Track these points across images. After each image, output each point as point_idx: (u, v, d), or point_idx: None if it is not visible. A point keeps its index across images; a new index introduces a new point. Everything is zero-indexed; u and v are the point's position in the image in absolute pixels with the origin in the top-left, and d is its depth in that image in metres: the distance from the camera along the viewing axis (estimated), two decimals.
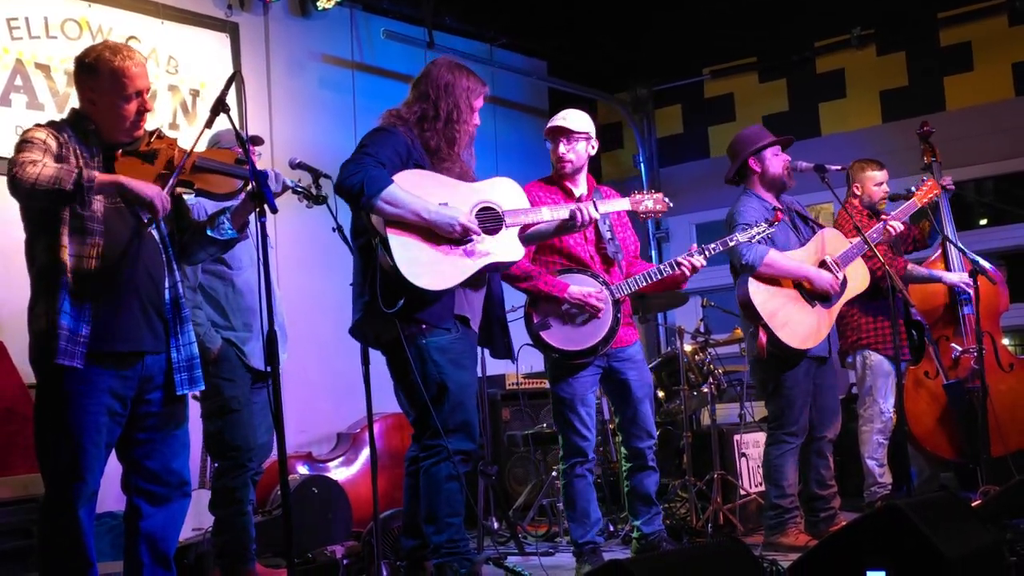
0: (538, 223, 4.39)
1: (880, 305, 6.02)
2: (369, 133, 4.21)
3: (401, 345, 4.05)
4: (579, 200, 4.88)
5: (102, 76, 3.54)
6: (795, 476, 5.44)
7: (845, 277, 5.36)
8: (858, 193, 6.19)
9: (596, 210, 4.43)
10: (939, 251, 6.43)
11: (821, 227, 5.55)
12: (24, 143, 3.45)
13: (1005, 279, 6.49)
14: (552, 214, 4.37)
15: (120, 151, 3.56)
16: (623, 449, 5.02)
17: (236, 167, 3.71)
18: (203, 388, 3.77)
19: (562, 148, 4.91)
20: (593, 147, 5.00)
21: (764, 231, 5.02)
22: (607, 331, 4.77)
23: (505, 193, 4.27)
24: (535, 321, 4.77)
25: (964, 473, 6.60)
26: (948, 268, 6.31)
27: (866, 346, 6.14)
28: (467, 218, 4.04)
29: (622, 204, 4.68)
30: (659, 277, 4.85)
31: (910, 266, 6.14)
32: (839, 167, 5.55)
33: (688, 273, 4.80)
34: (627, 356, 4.93)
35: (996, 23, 8.21)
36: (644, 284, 4.85)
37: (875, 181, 6.18)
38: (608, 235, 4.91)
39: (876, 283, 5.75)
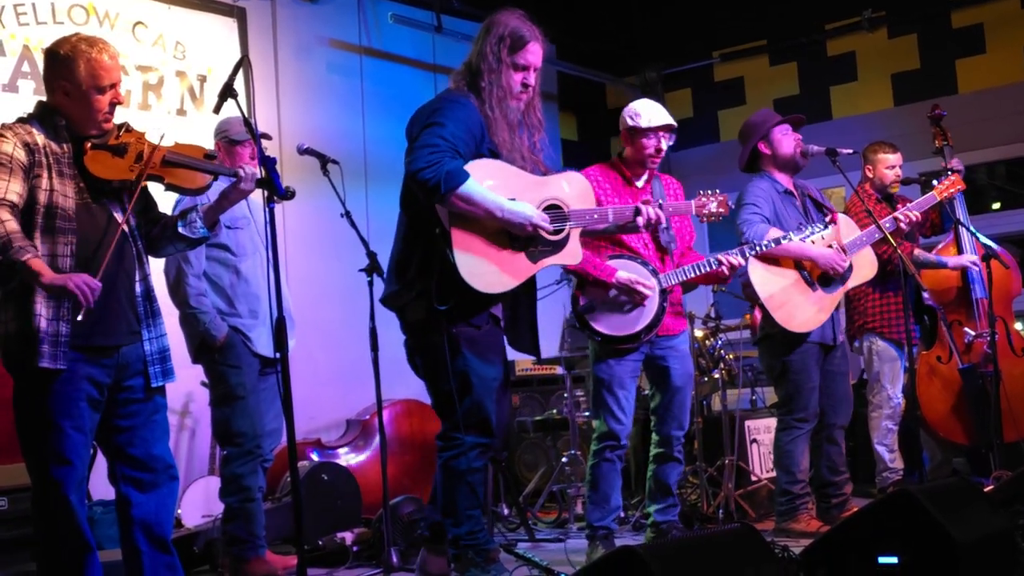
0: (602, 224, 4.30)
1: (888, 287, 6.01)
2: (445, 100, 4.02)
3: (426, 328, 3.97)
4: (639, 189, 4.88)
5: (79, 67, 3.50)
6: (806, 462, 5.42)
7: (851, 264, 5.33)
8: (870, 176, 6.17)
9: (662, 212, 4.36)
10: (951, 235, 6.39)
11: (834, 211, 5.51)
12: None
13: (1017, 263, 6.46)
14: (616, 216, 4.27)
15: (89, 144, 3.53)
16: (653, 434, 5.01)
17: (205, 162, 3.69)
18: (175, 380, 3.74)
19: (663, 144, 4.87)
20: None
21: (820, 231, 4.96)
22: (652, 319, 4.75)
23: (573, 190, 4.16)
24: (581, 304, 4.78)
25: (977, 458, 6.58)
26: (960, 252, 6.27)
27: (872, 330, 6.11)
28: (540, 218, 3.94)
29: (686, 208, 4.61)
30: (709, 269, 4.83)
31: (916, 251, 6.10)
32: (851, 151, 5.51)
33: (727, 272, 4.78)
34: (671, 345, 4.92)
35: (1009, 5, 8.14)
36: (691, 276, 4.84)
37: (887, 164, 6.14)
38: (664, 224, 4.87)
39: (883, 267, 5.73)
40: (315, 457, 6.38)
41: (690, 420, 5.14)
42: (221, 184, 3.82)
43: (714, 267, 4.80)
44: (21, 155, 3.41)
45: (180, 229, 3.71)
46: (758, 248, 4.91)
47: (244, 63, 3.68)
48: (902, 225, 5.48)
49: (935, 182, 5.87)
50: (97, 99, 3.52)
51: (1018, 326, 6.90)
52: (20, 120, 3.55)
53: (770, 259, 5.22)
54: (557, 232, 4.05)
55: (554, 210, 4.07)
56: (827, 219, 5.10)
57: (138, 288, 3.62)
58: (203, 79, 6.73)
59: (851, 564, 3.41)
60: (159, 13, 6.54)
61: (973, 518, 3.50)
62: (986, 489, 4.51)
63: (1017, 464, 5.52)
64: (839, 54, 8.90)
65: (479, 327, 4.00)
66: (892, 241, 5.11)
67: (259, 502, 4.82)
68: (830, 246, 5.27)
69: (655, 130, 4.87)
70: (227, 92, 3.55)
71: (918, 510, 3.32)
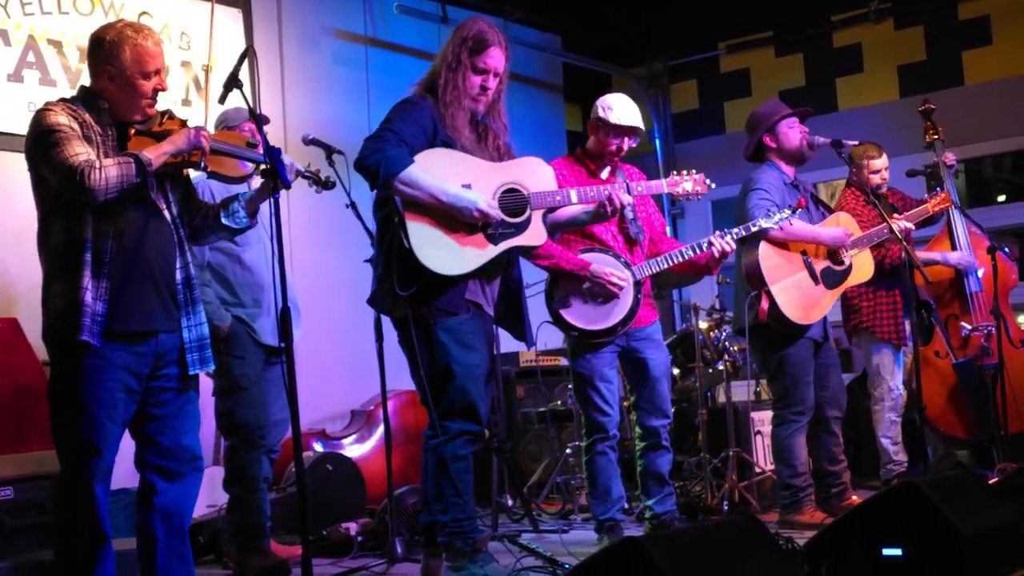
0: (565, 207, 4.30)
1: (880, 287, 6.08)
2: (396, 105, 4.14)
3: (406, 323, 4.03)
4: (604, 181, 4.87)
5: (124, 53, 3.53)
6: (805, 454, 5.44)
7: (851, 265, 5.34)
8: (855, 178, 6.13)
9: (629, 194, 4.33)
10: (943, 228, 6.38)
11: (832, 211, 5.51)
12: (52, 133, 3.41)
13: (1017, 256, 6.46)
14: (580, 197, 4.27)
15: (133, 130, 3.55)
16: (637, 428, 5.01)
17: (248, 150, 3.69)
18: (213, 368, 3.76)
19: (625, 145, 4.89)
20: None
21: (787, 216, 4.96)
22: (627, 311, 4.77)
23: (533, 174, 4.18)
24: (556, 299, 4.78)
25: (981, 451, 6.59)
26: (953, 245, 6.26)
27: (865, 329, 6.16)
28: (486, 203, 3.98)
29: (659, 187, 4.60)
30: (682, 259, 4.83)
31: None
32: (856, 142, 5.51)
33: (716, 255, 4.75)
34: (645, 336, 4.92)
35: None
36: (666, 265, 4.83)
37: (872, 168, 6.03)
38: (631, 215, 4.89)
39: (878, 268, 5.78)
40: (320, 448, 6.39)
41: (691, 412, 5.18)
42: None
43: (696, 253, 4.78)
44: (76, 126, 3.46)
45: (223, 220, 3.73)
46: (774, 226, 4.89)
47: (249, 54, 3.67)
48: (898, 233, 5.41)
49: (927, 196, 5.83)
50: (142, 85, 3.55)
51: (1021, 319, 6.90)
52: (65, 100, 3.57)
53: (781, 246, 5.21)
54: (517, 214, 4.09)
55: (513, 193, 4.11)
56: (794, 206, 5.06)
57: (178, 275, 3.62)
58: (208, 70, 6.73)
59: (855, 556, 3.41)
60: (164, 3, 6.53)
61: (978, 510, 3.51)
62: (990, 481, 4.51)
63: (1021, 456, 5.53)
64: (845, 45, 8.88)
65: (456, 314, 4.03)
66: (899, 236, 5.11)
67: (263, 492, 4.83)
68: (724, 254, 5.19)
69: (623, 130, 4.87)
70: (232, 82, 3.55)
71: (923, 502, 3.32)
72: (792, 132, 5.41)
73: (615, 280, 4.69)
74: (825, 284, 5.30)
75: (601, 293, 4.73)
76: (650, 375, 4.91)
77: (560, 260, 4.73)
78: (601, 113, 4.88)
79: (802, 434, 5.41)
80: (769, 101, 5.70)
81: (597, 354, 4.84)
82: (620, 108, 4.87)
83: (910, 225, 5.58)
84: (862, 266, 5.44)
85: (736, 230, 4.85)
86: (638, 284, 4.80)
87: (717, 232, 4.79)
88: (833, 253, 5.34)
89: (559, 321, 4.80)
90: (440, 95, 4.10)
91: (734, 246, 4.79)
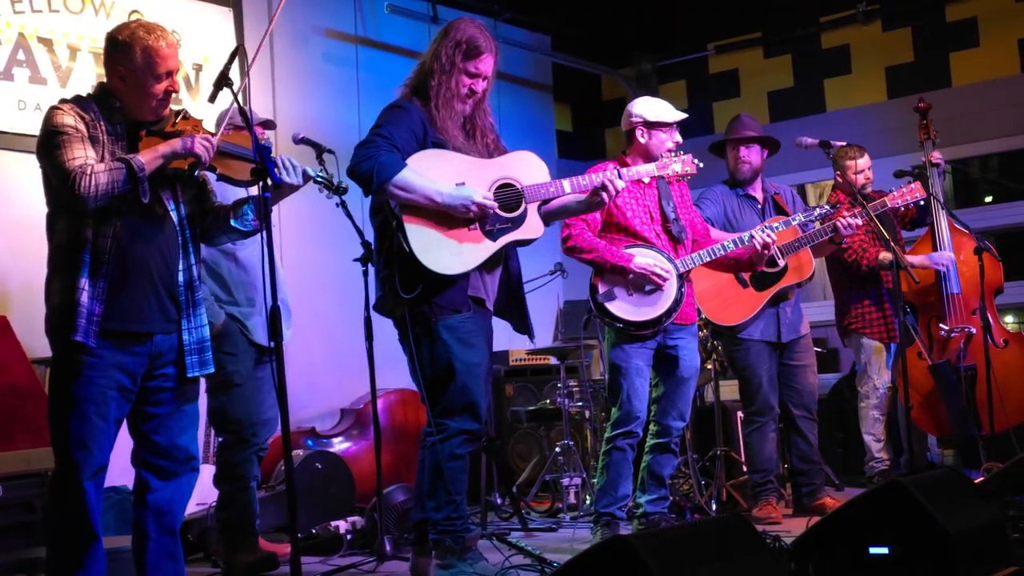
0: (560, 197, 4.30)
1: (862, 291, 6.21)
2: (384, 109, 4.15)
3: (406, 322, 4.05)
4: (647, 185, 4.96)
5: (135, 54, 3.52)
6: (768, 451, 5.60)
7: (787, 265, 5.46)
8: (839, 180, 6.16)
9: (620, 178, 4.33)
10: (927, 229, 6.40)
11: (788, 215, 5.56)
12: (57, 135, 3.42)
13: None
14: (573, 187, 4.28)
15: (144, 131, 3.55)
16: (652, 424, 5.06)
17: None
18: (213, 371, 3.75)
19: (677, 136, 5.00)
20: None
21: (825, 212, 5.23)
22: (672, 302, 4.83)
23: (526, 168, 4.21)
24: (600, 292, 4.85)
25: (967, 451, 6.62)
26: (935, 246, 6.28)
27: (855, 330, 6.28)
28: (482, 196, 4.00)
29: (648, 169, 4.63)
30: (724, 252, 4.92)
31: (881, 255, 6.08)
32: (844, 143, 5.54)
33: (759, 248, 4.87)
34: (683, 335, 4.98)
35: None
36: (708, 259, 4.93)
37: (855, 169, 6.11)
38: (672, 215, 4.97)
39: (854, 268, 6.01)
40: (310, 446, 6.39)
41: None
42: None
43: (732, 248, 4.90)
44: (82, 126, 3.46)
45: (233, 222, 3.72)
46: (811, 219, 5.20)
47: (239, 52, 3.67)
48: (842, 231, 5.33)
49: (892, 189, 5.69)
50: (152, 86, 3.54)
51: (1009, 319, 6.92)
52: (78, 98, 3.57)
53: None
54: (512, 208, 4.11)
55: (507, 188, 4.13)
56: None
57: (180, 277, 3.62)
58: (199, 68, 6.73)
59: (842, 554, 3.43)
60: (155, 2, 6.52)
61: (964, 509, 3.53)
62: (976, 481, 4.54)
63: (1007, 456, 5.56)
64: (833, 47, 8.91)
65: (459, 311, 4.05)
66: (886, 235, 5.12)
67: (253, 490, 4.83)
68: (766, 246, 5.20)
69: (672, 125, 4.99)
70: (223, 81, 3.54)
71: (909, 501, 3.34)
72: (731, 155, 5.69)
73: (659, 271, 4.76)
74: (755, 287, 5.48)
75: (645, 285, 4.80)
76: (678, 374, 4.96)
77: (604, 253, 4.81)
78: (651, 117, 4.99)
79: (762, 433, 5.60)
80: (749, 119, 5.80)
81: (637, 348, 4.88)
82: (664, 107, 5.03)
83: (857, 221, 5.35)
84: (800, 266, 5.55)
85: (776, 224, 4.99)
86: (681, 277, 4.87)
87: (760, 225, 4.92)
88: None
89: (604, 313, 4.86)
90: (432, 96, 4.12)
91: (775, 238, 4.90)
